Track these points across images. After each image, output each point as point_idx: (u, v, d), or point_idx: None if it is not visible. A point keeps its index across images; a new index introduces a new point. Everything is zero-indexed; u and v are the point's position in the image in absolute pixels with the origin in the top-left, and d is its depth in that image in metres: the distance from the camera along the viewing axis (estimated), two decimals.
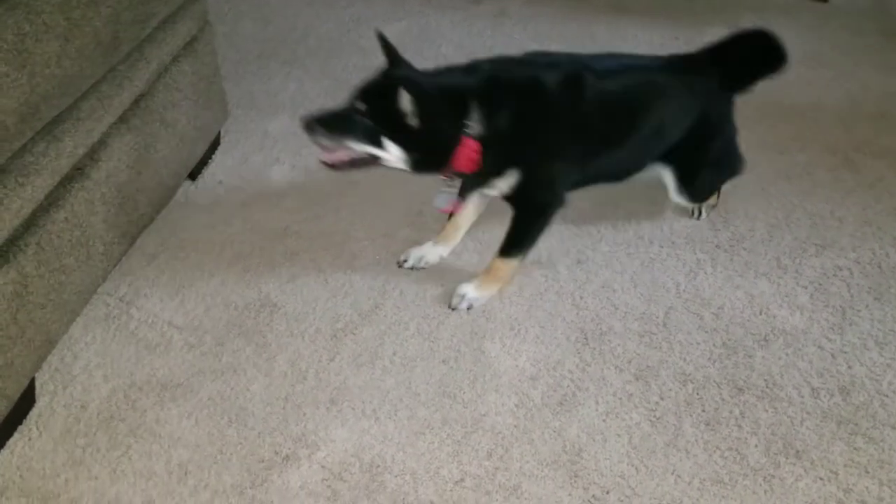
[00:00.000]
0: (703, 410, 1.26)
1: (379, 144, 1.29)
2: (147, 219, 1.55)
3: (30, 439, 1.22)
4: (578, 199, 1.53)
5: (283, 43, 2.35)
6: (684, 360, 1.34)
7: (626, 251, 1.55)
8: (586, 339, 1.37)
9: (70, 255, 1.28)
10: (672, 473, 1.17)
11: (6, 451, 1.21)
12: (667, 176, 1.51)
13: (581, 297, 1.46)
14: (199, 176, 1.79)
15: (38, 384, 1.29)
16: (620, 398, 1.28)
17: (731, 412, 1.25)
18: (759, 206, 1.66)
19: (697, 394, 1.28)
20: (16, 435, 1.23)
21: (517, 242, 1.42)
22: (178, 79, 1.60)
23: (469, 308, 1.43)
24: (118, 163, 1.40)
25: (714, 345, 1.36)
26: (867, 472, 1.16)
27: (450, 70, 1.35)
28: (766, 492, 1.14)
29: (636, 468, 1.17)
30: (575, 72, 1.34)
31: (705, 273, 1.50)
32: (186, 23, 1.62)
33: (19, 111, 1.10)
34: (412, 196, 1.70)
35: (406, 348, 1.37)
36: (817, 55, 2.20)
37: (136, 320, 1.43)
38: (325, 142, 1.30)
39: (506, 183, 1.36)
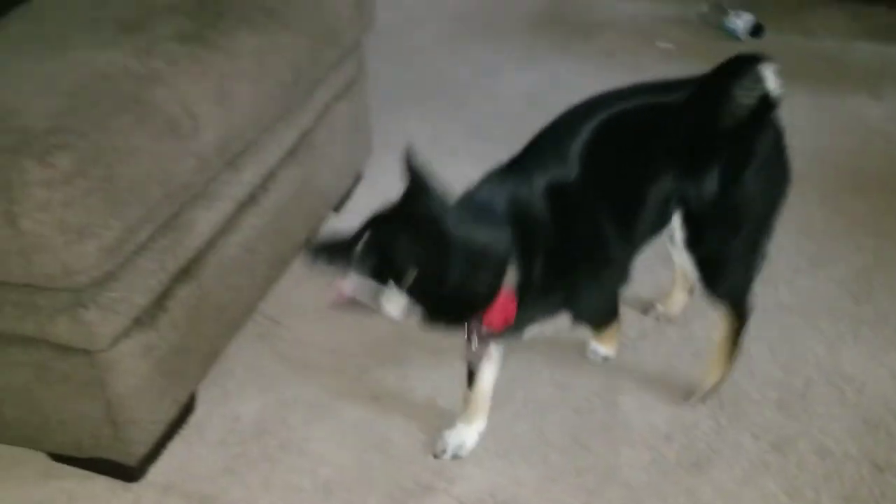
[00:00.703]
0: (842, 486, 1.24)
1: (382, 290, 1.07)
2: (300, 245, 1.65)
3: (189, 444, 1.32)
4: None
5: (420, 87, 2.46)
6: (823, 433, 1.32)
7: (764, 317, 1.54)
8: (722, 403, 1.38)
9: (240, 274, 1.38)
10: None
11: (168, 452, 1.30)
12: None
13: None
14: (342, 208, 1.89)
15: (199, 391, 1.39)
16: (756, 466, 1.27)
17: (870, 491, 1.23)
18: None
19: (836, 469, 1.26)
20: (176, 439, 1.32)
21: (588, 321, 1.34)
22: (337, 117, 1.71)
23: (605, 360, 1.44)
24: (283, 193, 1.50)
25: (854, 421, 1.34)
26: None
27: (474, 211, 1.11)
28: None
29: None
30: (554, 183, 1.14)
31: (847, 347, 1.48)
32: (347, 67, 1.73)
33: (216, 144, 1.21)
34: None
35: (537, 394, 1.41)
36: None
37: (285, 341, 1.52)
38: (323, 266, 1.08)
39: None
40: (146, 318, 1.16)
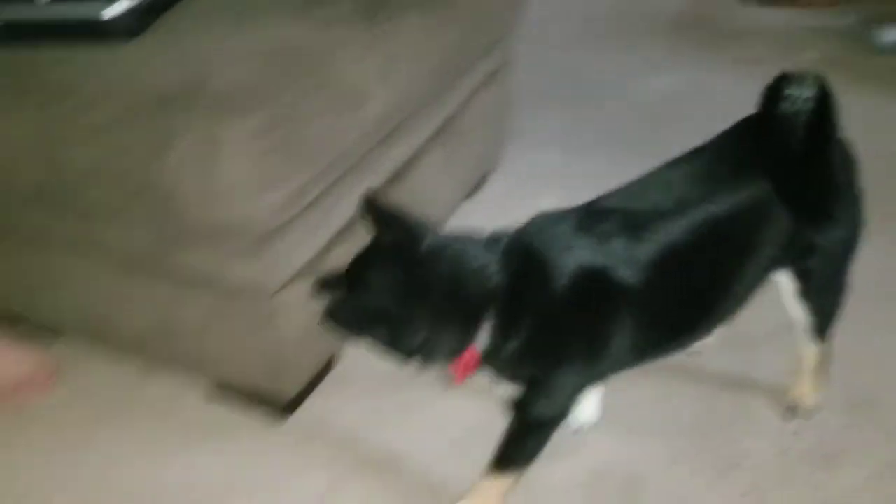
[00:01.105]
0: None
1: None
2: (441, 222, 1.74)
3: (331, 394, 1.43)
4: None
5: (556, 83, 2.51)
6: None
7: None
8: (855, 403, 1.36)
9: None
10: None
11: (312, 398, 1.41)
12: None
13: (851, 363, 1.44)
14: (475, 196, 1.97)
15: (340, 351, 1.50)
16: (889, 467, 1.26)
17: None
18: None
19: None
20: (320, 388, 1.44)
21: (511, 459, 1.15)
22: (480, 105, 1.79)
23: None
24: (425, 173, 1.60)
25: None
26: None
27: (456, 256, 1.03)
28: None
29: None
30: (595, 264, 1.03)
31: None
32: (495, 56, 1.81)
33: (378, 118, 1.31)
34: None
35: (667, 382, 1.43)
36: None
37: None
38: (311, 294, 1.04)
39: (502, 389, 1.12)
40: (308, 270, 1.27)
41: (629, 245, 1.04)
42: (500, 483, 1.16)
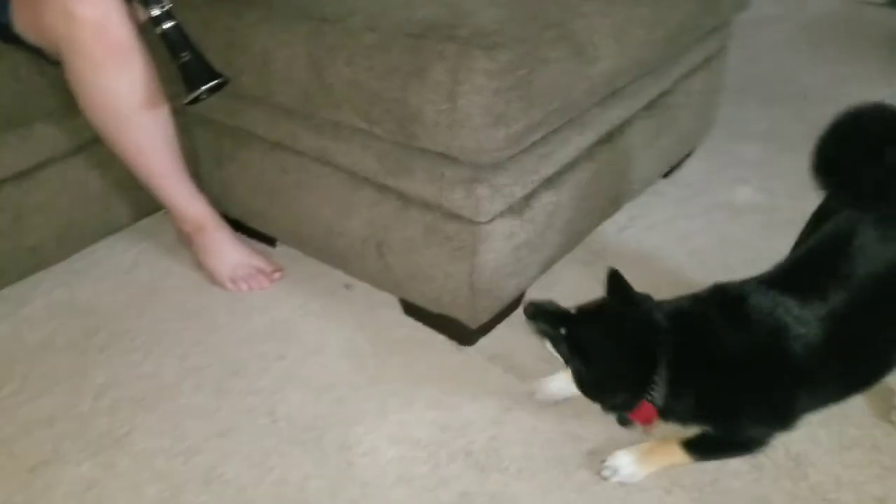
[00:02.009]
0: None
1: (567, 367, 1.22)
2: (631, 195, 1.79)
3: (514, 330, 1.52)
4: None
5: (765, 83, 2.48)
6: None
7: None
8: None
9: (585, 199, 1.55)
10: None
11: (497, 330, 1.52)
12: None
13: None
14: (671, 174, 2.00)
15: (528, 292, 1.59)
16: None
17: None
18: None
19: None
20: (504, 323, 1.54)
21: (711, 454, 1.23)
22: (693, 86, 1.82)
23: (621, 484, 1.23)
24: (633, 141, 1.65)
25: None
26: None
27: (641, 322, 1.16)
28: None
29: None
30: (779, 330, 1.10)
31: None
32: (713, 41, 1.83)
33: (606, 75, 1.38)
34: None
35: None
36: None
37: (602, 270, 1.67)
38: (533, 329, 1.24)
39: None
40: (517, 207, 1.37)
41: (804, 305, 1.11)
42: (685, 459, 1.22)
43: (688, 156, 2.05)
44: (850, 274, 1.13)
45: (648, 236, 1.79)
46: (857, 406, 1.35)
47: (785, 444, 1.28)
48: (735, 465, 1.25)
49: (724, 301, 1.17)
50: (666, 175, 1.98)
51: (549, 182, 1.44)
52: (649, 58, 1.50)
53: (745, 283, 1.19)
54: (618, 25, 1.36)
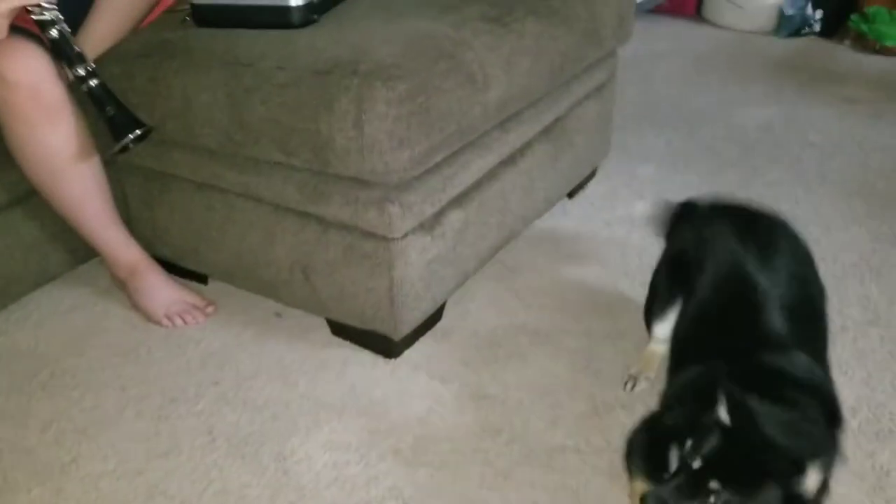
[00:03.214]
0: None
1: None
2: (539, 214, 1.95)
3: (436, 342, 1.64)
4: None
5: (658, 109, 2.70)
6: None
7: None
8: None
9: (492, 216, 1.70)
10: None
11: (419, 343, 1.63)
12: None
13: None
14: (576, 195, 2.17)
15: (445, 309, 1.71)
16: None
17: None
18: None
19: None
20: (426, 336, 1.65)
21: None
22: (586, 112, 2.00)
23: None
24: (534, 162, 1.81)
25: None
26: None
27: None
28: None
29: None
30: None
31: None
32: (602, 70, 2.02)
33: (498, 101, 1.54)
34: None
35: None
36: None
37: (518, 283, 1.82)
38: None
39: None
40: (428, 224, 1.50)
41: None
42: None
43: (590, 177, 2.23)
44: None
45: (557, 249, 1.94)
46: None
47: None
48: None
49: None
50: (571, 195, 2.15)
51: (457, 201, 1.58)
52: (538, 85, 1.68)
53: None
54: (506, 56, 1.53)
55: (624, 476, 1.23)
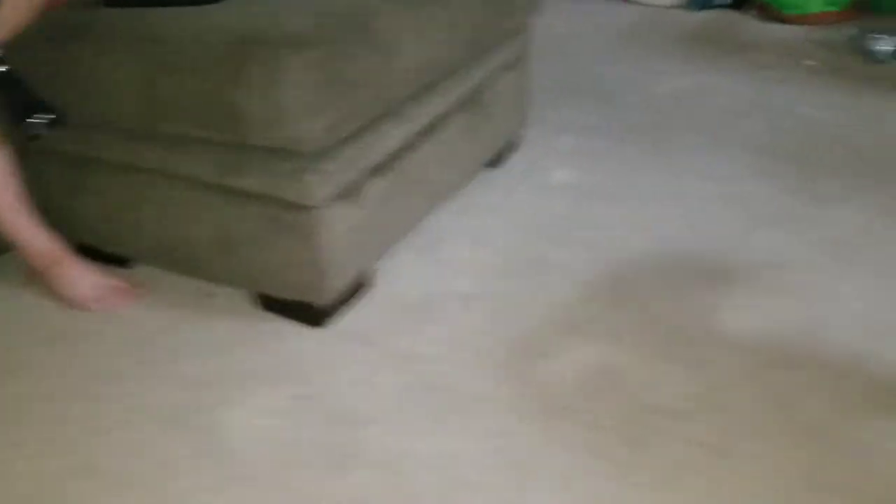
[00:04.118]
0: None
1: None
2: (461, 184, 2.00)
3: (364, 308, 1.68)
4: None
5: (578, 83, 2.78)
6: None
7: None
8: None
9: (414, 185, 1.74)
10: None
11: (351, 314, 1.67)
12: None
13: None
14: (499, 165, 2.23)
15: (375, 277, 1.75)
16: None
17: None
18: None
19: None
20: (353, 304, 1.69)
21: None
22: (502, 84, 2.06)
23: None
24: (453, 133, 1.86)
25: None
26: None
27: None
28: None
29: None
30: None
31: None
32: (515, 44, 2.09)
33: (413, 68, 1.58)
34: None
35: None
36: None
37: (444, 252, 1.86)
38: None
39: None
40: (347, 192, 1.53)
41: None
42: None
43: (512, 149, 2.29)
44: None
45: (481, 217, 2.00)
46: None
47: None
48: None
49: None
50: (494, 166, 2.21)
51: (377, 170, 1.62)
52: (452, 55, 1.73)
53: None
54: (415, 26, 1.57)
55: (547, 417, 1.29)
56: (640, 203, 2.03)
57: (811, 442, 1.31)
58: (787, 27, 3.15)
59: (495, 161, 2.22)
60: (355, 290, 1.69)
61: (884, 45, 2.76)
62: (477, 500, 1.25)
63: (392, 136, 1.63)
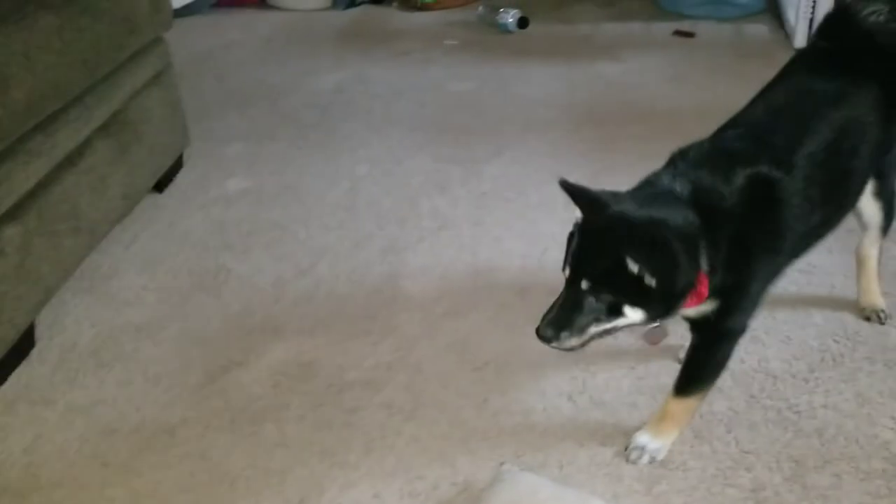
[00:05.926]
0: None
1: (620, 315, 1.08)
2: (122, 212, 1.88)
3: (33, 367, 1.52)
4: None
5: (239, 92, 2.76)
6: None
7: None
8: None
9: (63, 223, 1.60)
10: None
11: (14, 377, 1.50)
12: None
13: None
14: (166, 188, 2.14)
15: (37, 331, 1.59)
16: None
17: None
18: None
19: None
20: (21, 367, 1.52)
21: (700, 377, 1.22)
22: (147, 102, 1.97)
23: (652, 461, 1.23)
24: (100, 159, 1.74)
25: None
26: None
27: (648, 201, 1.10)
28: None
29: None
30: (759, 173, 1.14)
31: None
32: (153, 59, 2.00)
33: (25, 102, 1.45)
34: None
35: None
36: (683, 75, 2.66)
37: (115, 287, 1.75)
38: (574, 342, 1.10)
39: (700, 310, 1.17)
40: None
41: (775, 152, 1.16)
42: (686, 407, 1.23)
43: (177, 168, 2.21)
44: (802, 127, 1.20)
45: (154, 244, 1.90)
46: None
47: None
48: None
49: (713, 161, 1.15)
50: (160, 189, 2.11)
51: (10, 214, 1.47)
52: (73, 80, 1.61)
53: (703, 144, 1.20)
54: (22, 55, 1.45)
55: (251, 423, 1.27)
56: (315, 199, 2.06)
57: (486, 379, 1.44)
58: (426, 13, 3.39)
59: (163, 181, 2.12)
60: (18, 349, 1.52)
61: (507, 17, 3.07)
62: None
63: (21, 175, 1.48)
